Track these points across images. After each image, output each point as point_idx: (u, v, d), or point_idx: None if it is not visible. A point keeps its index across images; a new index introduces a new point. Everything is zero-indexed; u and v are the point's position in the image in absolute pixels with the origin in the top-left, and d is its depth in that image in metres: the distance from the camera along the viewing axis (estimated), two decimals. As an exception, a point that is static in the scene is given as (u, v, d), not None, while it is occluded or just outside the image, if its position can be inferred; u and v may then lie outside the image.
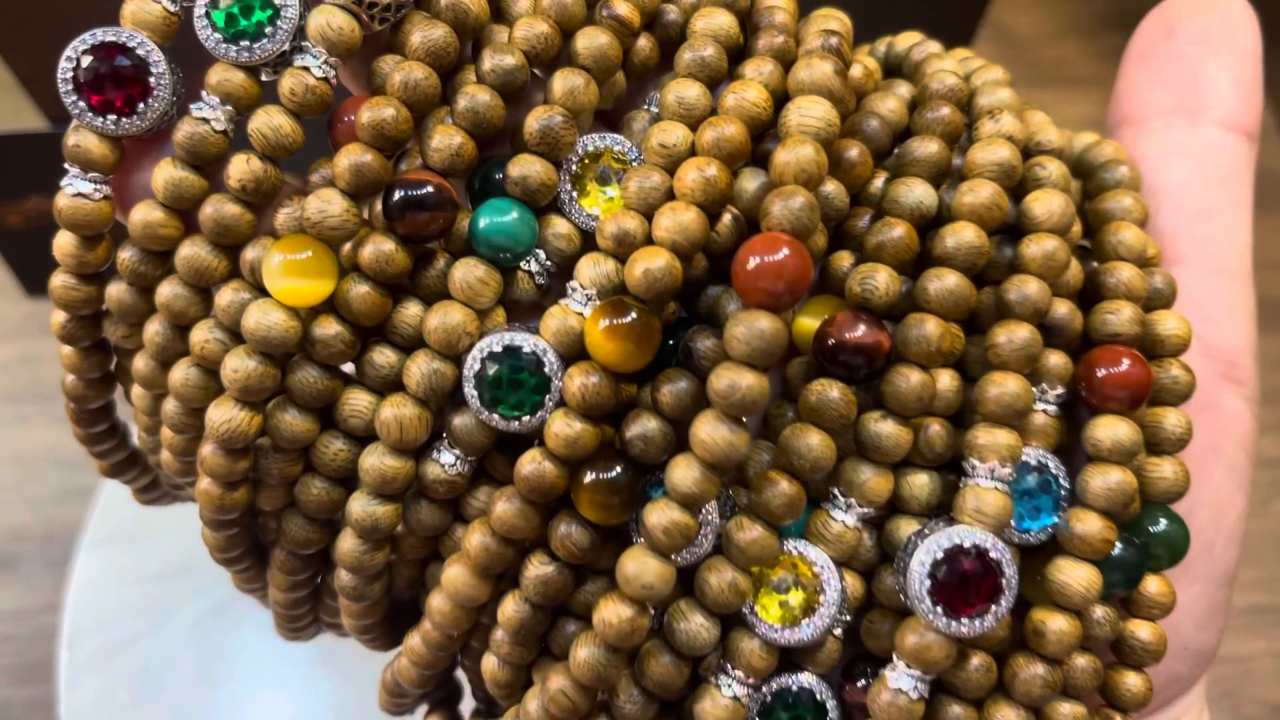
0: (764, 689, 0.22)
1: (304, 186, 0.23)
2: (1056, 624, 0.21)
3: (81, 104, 0.22)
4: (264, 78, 0.22)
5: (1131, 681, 0.22)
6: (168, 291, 0.22)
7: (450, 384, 0.21)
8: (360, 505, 0.22)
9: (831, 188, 0.22)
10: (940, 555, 0.20)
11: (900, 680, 0.21)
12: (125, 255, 0.22)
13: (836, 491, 0.22)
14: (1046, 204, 0.22)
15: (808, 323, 0.22)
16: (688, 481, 0.19)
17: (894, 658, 0.21)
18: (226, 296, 0.22)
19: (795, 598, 0.21)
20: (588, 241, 0.22)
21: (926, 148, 0.23)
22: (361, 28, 0.22)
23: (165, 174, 0.22)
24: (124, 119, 0.22)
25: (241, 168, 0.21)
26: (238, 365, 0.21)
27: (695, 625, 0.21)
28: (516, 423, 0.21)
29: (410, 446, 0.22)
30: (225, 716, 0.44)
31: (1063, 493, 0.22)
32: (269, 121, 0.21)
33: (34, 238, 0.52)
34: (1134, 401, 0.22)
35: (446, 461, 0.22)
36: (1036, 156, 0.23)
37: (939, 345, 0.21)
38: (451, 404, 0.22)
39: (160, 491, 0.31)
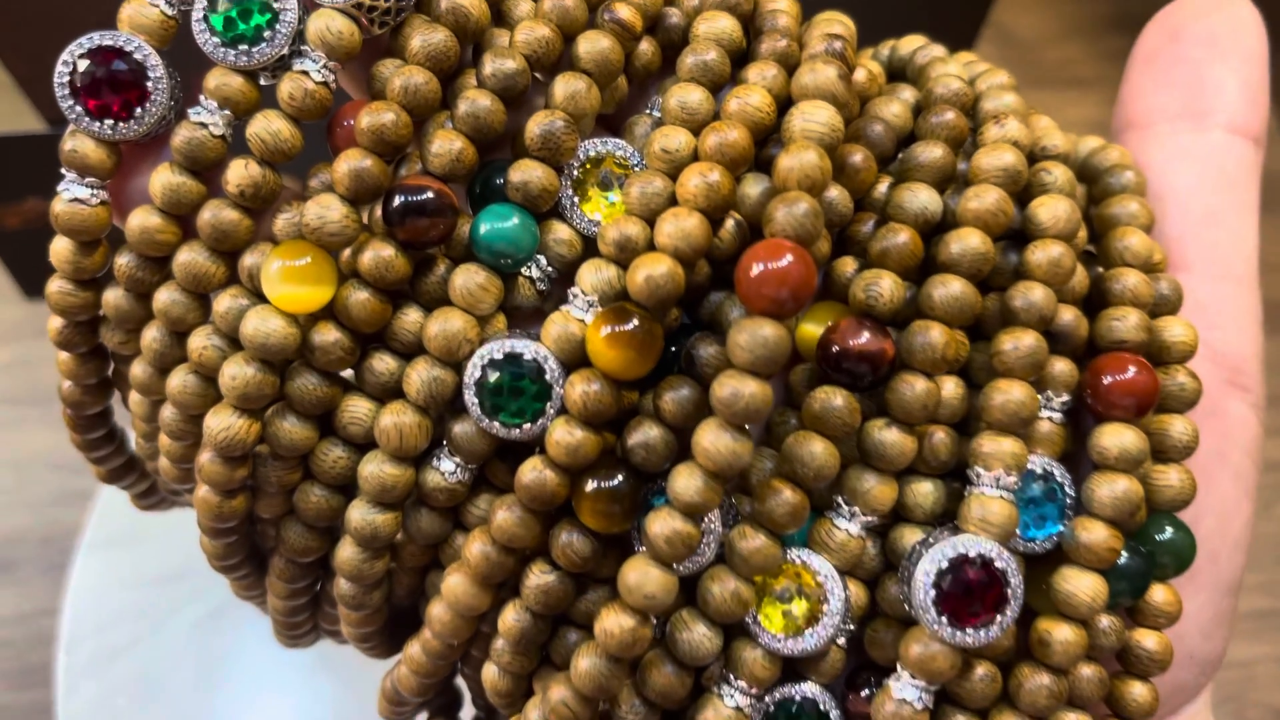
0: (767, 699, 0.22)
1: (303, 191, 0.23)
2: (1062, 634, 0.21)
3: (78, 109, 0.21)
4: (263, 82, 0.22)
5: (1137, 691, 0.22)
6: (165, 297, 0.22)
7: (450, 391, 0.21)
8: (360, 513, 0.22)
9: (835, 193, 0.22)
10: (945, 565, 0.20)
11: (904, 690, 0.21)
12: (122, 261, 0.22)
13: (840, 500, 0.22)
14: (1052, 210, 0.22)
15: (811, 329, 0.22)
16: (690, 490, 0.19)
17: (898, 668, 0.21)
18: (225, 303, 0.22)
19: (799, 607, 0.21)
20: (589, 247, 0.22)
21: (931, 153, 0.22)
22: (361, 31, 0.22)
23: (163, 179, 0.21)
24: (121, 124, 0.22)
25: (240, 173, 0.21)
26: (236, 372, 0.21)
27: (698, 635, 0.21)
28: (517, 430, 0.21)
29: (410, 454, 0.22)
30: (224, 721, 0.44)
31: (1068, 501, 0.22)
32: (268, 126, 0.21)
33: (32, 240, 0.52)
34: (1140, 409, 0.21)
35: (446, 469, 0.22)
36: (1042, 161, 0.23)
37: (944, 353, 0.21)
38: (452, 411, 0.22)
39: (158, 497, 0.31)
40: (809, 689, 0.22)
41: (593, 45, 0.22)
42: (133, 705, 0.43)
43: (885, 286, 0.21)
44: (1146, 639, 0.22)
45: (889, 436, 0.21)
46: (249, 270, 0.22)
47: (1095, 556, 0.21)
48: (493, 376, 0.21)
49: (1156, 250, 0.23)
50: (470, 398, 0.21)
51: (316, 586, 0.26)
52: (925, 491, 0.22)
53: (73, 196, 0.22)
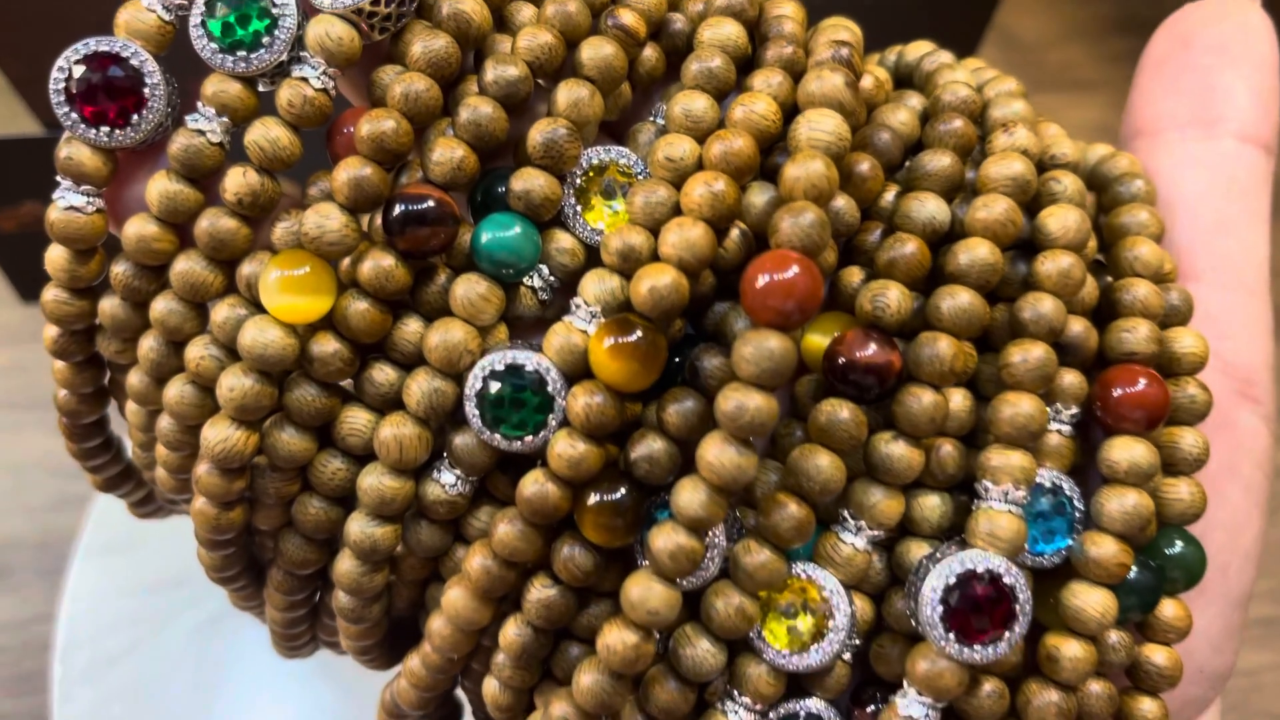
0: (771, 715, 0.21)
1: (302, 198, 0.23)
2: (1071, 650, 0.21)
3: (74, 115, 0.21)
4: (261, 89, 0.22)
5: (1147, 707, 0.22)
6: (162, 307, 0.22)
7: (451, 403, 0.21)
8: (359, 526, 0.22)
9: (842, 203, 0.21)
10: (952, 580, 0.20)
11: (911, 707, 0.21)
12: (119, 269, 0.22)
13: (846, 513, 0.21)
14: (1062, 220, 0.22)
15: (817, 340, 0.22)
16: (694, 505, 0.19)
17: (904, 684, 0.21)
18: (222, 312, 0.21)
19: (804, 623, 0.21)
20: (592, 257, 0.22)
21: (939, 161, 0.22)
22: (361, 37, 0.21)
23: (160, 187, 0.21)
24: (118, 131, 0.21)
25: (238, 181, 0.21)
26: (233, 383, 0.21)
27: (701, 651, 0.20)
28: (519, 443, 0.21)
29: (410, 466, 0.21)
30: (222, 728, 0.44)
31: (1077, 515, 0.22)
32: (266, 134, 0.21)
33: (28, 243, 0.52)
34: (1151, 422, 0.21)
35: (447, 482, 0.22)
36: (1051, 170, 0.23)
37: (952, 365, 0.20)
38: (452, 423, 0.22)
39: (155, 505, 0.30)
40: (814, 705, 0.22)
41: (596, 51, 0.22)
42: (129, 713, 0.43)
43: (892, 298, 0.21)
44: (1156, 654, 0.22)
45: (896, 450, 0.21)
46: (247, 279, 0.21)
47: (1105, 572, 0.21)
48: (494, 388, 0.20)
49: (1167, 260, 0.23)
50: (471, 409, 0.21)
51: (315, 598, 0.26)
52: (932, 505, 0.21)
53: (68, 204, 0.22)
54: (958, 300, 0.21)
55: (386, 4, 0.21)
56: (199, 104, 0.21)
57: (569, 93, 0.21)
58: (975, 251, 0.21)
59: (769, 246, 0.19)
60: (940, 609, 0.20)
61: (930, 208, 0.22)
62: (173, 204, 0.21)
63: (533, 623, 0.21)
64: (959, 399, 0.22)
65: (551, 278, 0.22)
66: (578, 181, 0.22)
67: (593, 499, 0.20)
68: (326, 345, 0.21)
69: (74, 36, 0.21)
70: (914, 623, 0.21)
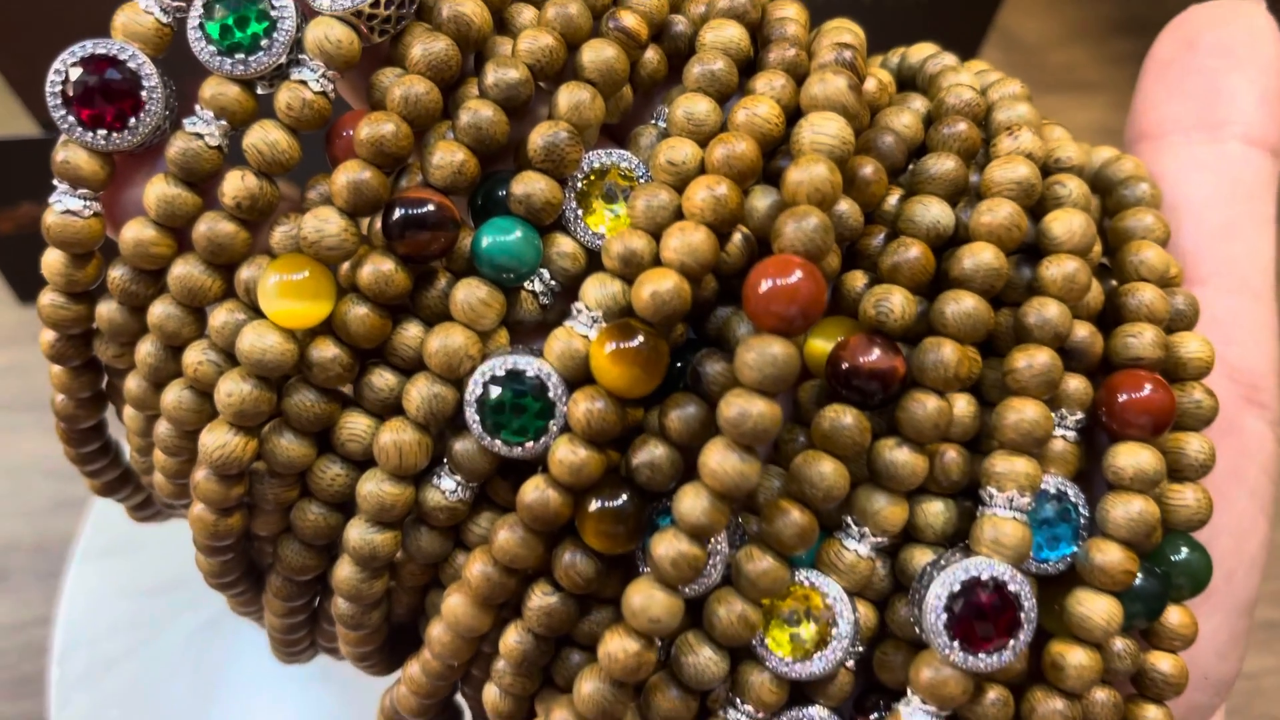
0: (774, 723, 0.21)
1: (301, 201, 0.23)
2: (1076, 657, 0.21)
3: (70, 119, 0.21)
4: (260, 91, 0.21)
5: (1152, 715, 0.22)
6: (160, 311, 0.21)
7: (451, 408, 0.21)
8: (358, 532, 0.22)
9: (845, 207, 0.21)
10: (957, 588, 0.20)
11: (915, 716, 0.20)
12: (116, 274, 0.22)
13: (849, 520, 0.21)
14: (1067, 224, 0.21)
15: (820, 345, 0.22)
16: (696, 512, 0.19)
17: (908, 692, 0.21)
18: (221, 317, 0.21)
19: (806, 630, 0.21)
20: (593, 261, 0.22)
21: (943, 165, 0.22)
22: (360, 40, 0.21)
23: (157, 191, 0.21)
24: (115, 134, 0.21)
25: (236, 185, 0.21)
26: (232, 389, 0.20)
27: (704, 659, 0.20)
28: (520, 449, 0.20)
29: (409, 472, 0.21)
30: (220, 732, 0.44)
31: (1082, 521, 0.21)
32: (265, 137, 0.21)
33: (26, 245, 0.51)
34: (1156, 428, 0.21)
35: (447, 488, 0.21)
36: (1056, 174, 0.22)
37: (956, 371, 0.20)
38: (452, 429, 0.21)
39: (154, 509, 0.30)
40: (817, 713, 0.21)
41: (597, 54, 0.22)
42: (127, 717, 0.43)
43: (896, 302, 0.21)
44: (1161, 662, 0.22)
45: (900, 456, 0.20)
46: (246, 284, 0.21)
47: (1110, 579, 0.21)
48: (494, 393, 0.20)
49: (1172, 264, 0.23)
50: (471, 415, 0.20)
51: (314, 603, 0.26)
52: (936, 511, 0.21)
53: (65, 208, 0.21)
54: (962, 305, 0.21)
55: (386, 6, 0.21)
56: (197, 107, 0.21)
57: (570, 95, 0.21)
58: (980, 256, 0.21)
59: (771, 251, 0.19)
60: (944, 616, 0.20)
61: (934, 212, 0.21)
62: (171, 208, 0.21)
63: (533, 630, 0.21)
64: (963, 404, 0.21)
65: (553, 282, 0.22)
66: (579, 185, 0.22)
67: (594, 505, 0.20)
68: (326, 350, 0.21)
69: (72, 37, 0.21)
70: (918, 630, 0.21)
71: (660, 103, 0.23)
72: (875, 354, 0.20)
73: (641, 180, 0.22)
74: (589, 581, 0.21)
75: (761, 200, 0.21)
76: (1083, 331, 0.22)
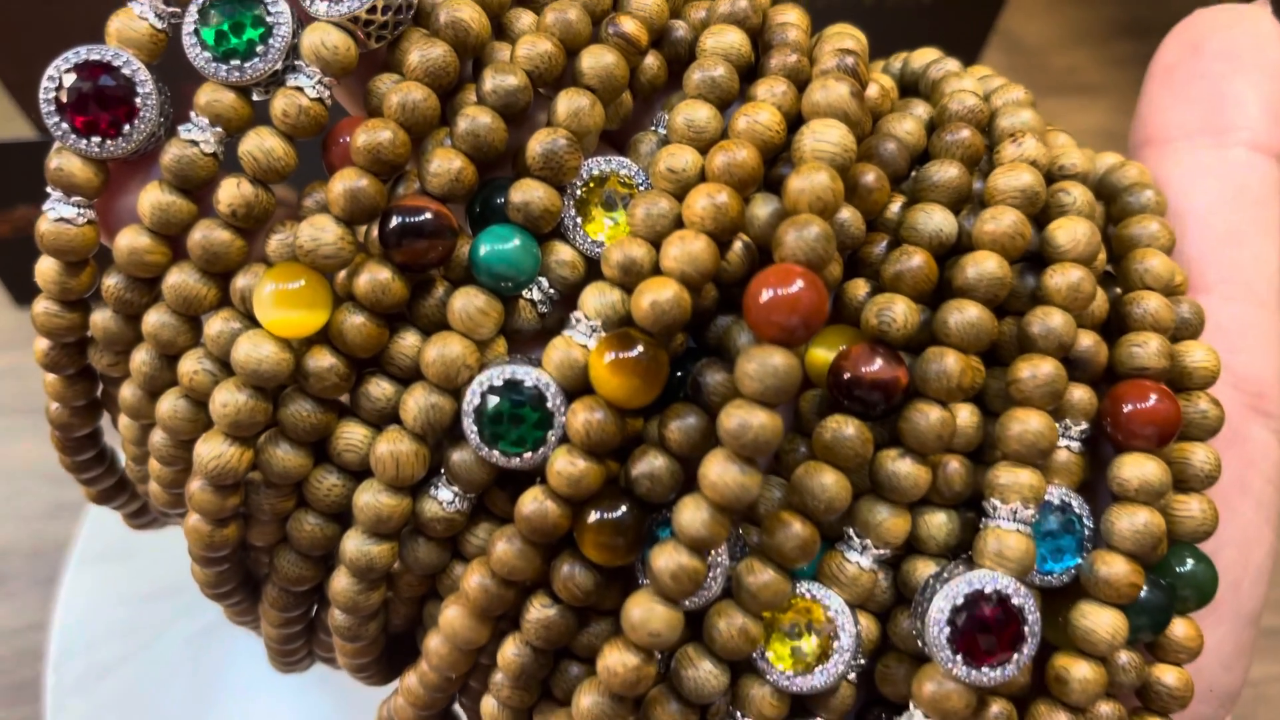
0: (775, 736, 0.21)
1: (297, 208, 0.23)
2: (1080, 671, 0.21)
3: (64, 125, 0.21)
4: (255, 98, 0.21)
5: (1157, 728, 0.22)
6: (155, 320, 0.21)
7: (449, 418, 0.21)
8: (355, 544, 0.21)
9: (847, 215, 0.21)
10: (960, 601, 0.20)
11: (917, 729, 0.20)
12: (110, 282, 0.22)
13: (851, 532, 0.21)
14: (1071, 232, 0.21)
15: (822, 354, 0.21)
16: (696, 524, 0.18)
17: (910, 705, 0.20)
18: (216, 326, 0.21)
19: (808, 644, 0.21)
20: (592, 269, 0.22)
21: (946, 172, 0.22)
22: (357, 46, 0.21)
23: (152, 198, 0.21)
24: (109, 141, 0.21)
25: (232, 192, 0.21)
26: (227, 399, 0.20)
27: (703, 672, 0.20)
28: (518, 459, 0.20)
29: (406, 483, 0.21)
30: (217, 738, 0.43)
31: (1086, 533, 0.21)
32: (260, 144, 0.21)
33: (22, 248, 0.51)
34: (1162, 439, 0.21)
35: (444, 499, 0.21)
36: (1060, 181, 0.22)
37: (959, 381, 0.20)
38: (450, 439, 0.21)
39: (150, 517, 0.30)
40: (818, 726, 0.21)
41: (596, 60, 0.21)
42: (123, 724, 0.43)
43: (899, 312, 0.20)
44: (1166, 675, 0.22)
45: (902, 467, 0.20)
46: (241, 292, 0.21)
47: (1115, 592, 0.20)
48: (492, 403, 0.20)
49: (1178, 272, 0.23)
50: (469, 425, 0.20)
51: (311, 614, 0.26)
52: (939, 523, 0.21)
53: (59, 216, 0.21)
54: (965, 315, 0.20)
55: (383, 12, 0.21)
56: (192, 114, 0.21)
57: (569, 102, 0.21)
58: (983, 265, 0.21)
59: (772, 259, 0.19)
60: (947, 630, 0.20)
61: (937, 220, 0.21)
62: (165, 215, 0.21)
63: (532, 642, 0.21)
64: (966, 415, 0.21)
65: (551, 291, 0.22)
66: (578, 193, 0.22)
67: (593, 517, 0.20)
68: (322, 360, 0.21)
69: (69, 40, 0.21)
70: (920, 643, 0.20)
71: (660, 109, 0.23)
72: (877, 364, 0.20)
73: (641, 188, 0.22)
74: (588, 594, 0.20)
75: (762, 208, 0.20)
76: (1087, 341, 0.21)
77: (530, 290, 0.21)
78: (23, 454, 0.53)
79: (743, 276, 0.21)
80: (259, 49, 0.21)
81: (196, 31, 0.21)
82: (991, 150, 0.23)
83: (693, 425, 0.20)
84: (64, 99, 0.21)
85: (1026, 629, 0.20)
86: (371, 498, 0.21)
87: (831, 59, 0.22)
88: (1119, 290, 0.23)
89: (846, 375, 0.20)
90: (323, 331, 0.21)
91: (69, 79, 0.21)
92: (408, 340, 0.21)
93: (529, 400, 0.20)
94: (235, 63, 0.21)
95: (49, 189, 0.21)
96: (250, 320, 0.21)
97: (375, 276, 0.20)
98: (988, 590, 0.20)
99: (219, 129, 0.21)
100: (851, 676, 0.21)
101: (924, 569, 0.21)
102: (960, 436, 0.21)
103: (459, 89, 0.22)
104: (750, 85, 0.22)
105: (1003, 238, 0.21)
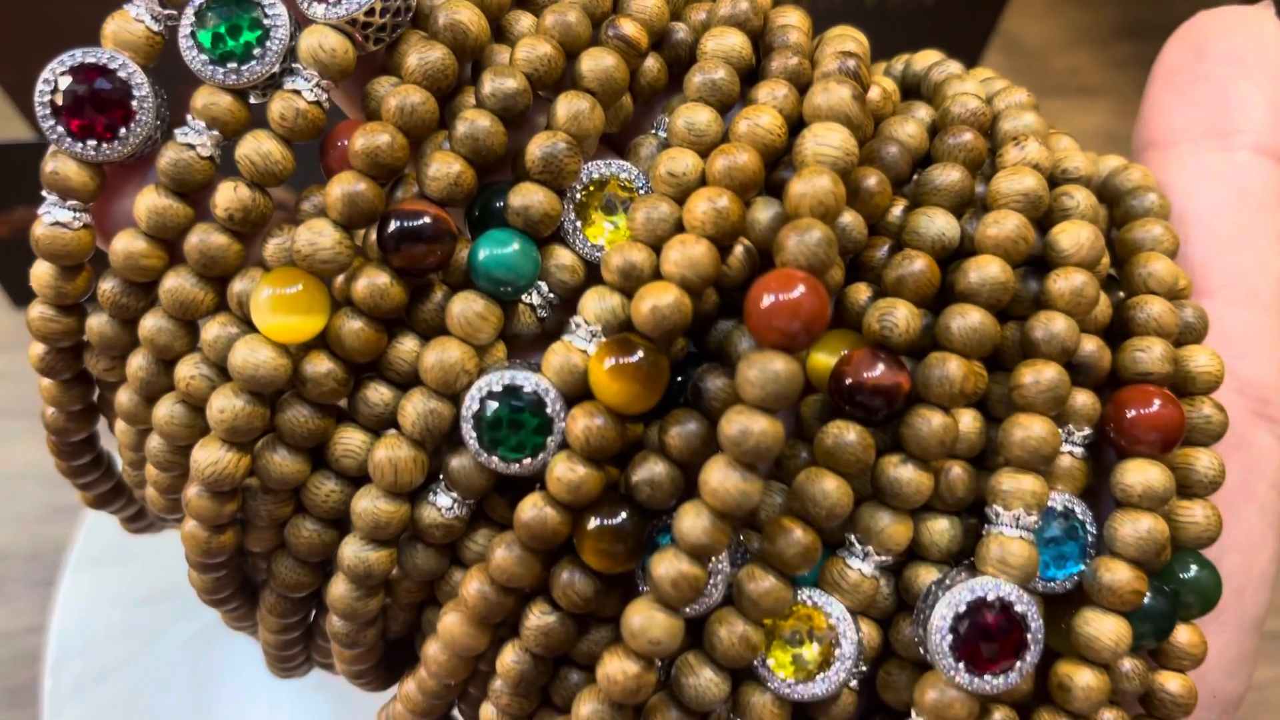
0: (776, 744, 0.21)
1: (294, 212, 0.22)
2: (1084, 678, 0.20)
3: (60, 129, 0.21)
4: (253, 101, 0.21)
5: (1160, 735, 0.21)
6: (151, 324, 0.21)
7: (447, 424, 0.20)
8: (353, 550, 0.21)
9: (849, 219, 0.21)
10: (962, 609, 0.19)
11: (920, 737, 0.20)
12: (106, 286, 0.21)
13: (853, 538, 0.21)
14: (1074, 236, 0.21)
15: (823, 359, 0.21)
16: (697, 531, 0.18)
17: (912, 713, 0.20)
18: (213, 331, 0.21)
19: (809, 651, 0.20)
20: (592, 274, 0.21)
21: (948, 176, 0.21)
22: (355, 49, 0.21)
23: (148, 202, 0.21)
24: (105, 144, 0.21)
25: (229, 196, 0.20)
26: (224, 405, 0.20)
27: (704, 680, 0.20)
28: (517, 465, 0.20)
29: (405, 489, 0.21)
30: (216, 742, 0.43)
31: (1089, 539, 0.21)
32: (258, 147, 0.20)
33: (20, 249, 0.51)
34: (1166, 444, 0.21)
35: (443, 504, 0.21)
36: (1063, 185, 0.22)
37: (962, 386, 0.20)
38: (449, 444, 0.21)
39: (147, 521, 0.30)
40: (820, 734, 0.21)
41: (596, 63, 0.21)
42: (121, 727, 0.43)
43: (900, 316, 0.20)
44: (1170, 682, 0.21)
45: (904, 473, 0.20)
46: (238, 297, 0.21)
47: (1118, 599, 0.20)
48: (491, 409, 0.20)
49: (1181, 276, 0.23)
50: (468, 431, 0.20)
51: (309, 619, 0.26)
52: (941, 529, 0.21)
53: (54, 219, 0.21)
54: (968, 320, 0.20)
55: (381, 14, 0.21)
56: (189, 117, 0.21)
57: (569, 105, 0.21)
58: (986, 269, 0.20)
59: (774, 264, 0.19)
60: (950, 638, 0.19)
61: (939, 224, 0.21)
62: (162, 219, 0.21)
63: (531, 650, 0.21)
64: (969, 420, 0.21)
65: (551, 295, 0.21)
66: (578, 196, 0.21)
67: (593, 523, 0.20)
68: (320, 365, 0.21)
69: (67, 42, 0.21)
70: (922, 650, 0.20)
71: (661, 112, 0.23)
72: (879, 369, 0.20)
73: (641, 191, 0.22)
74: (588, 601, 0.20)
75: (763, 212, 0.20)
76: (1090, 345, 0.21)
77: (530, 295, 0.21)
78: (20, 456, 0.53)
79: (744, 281, 0.21)
80: (256, 52, 0.20)
81: (193, 34, 0.20)
82: (994, 153, 0.22)
83: (693, 431, 0.20)
84: (59, 102, 0.20)
85: (1029, 636, 0.20)
86: (370, 504, 0.21)
87: (833, 61, 0.21)
88: (1122, 294, 0.23)
89: (848, 380, 0.20)
90: (321, 336, 0.21)
91: (64, 82, 0.20)
92: (406, 345, 0.21)
93: (528, 406, 0.20)
94: (232, 65, 0.20)
95: (44, 192, 0.21)
96: (247, 325, 0.21)
97: (373, 281, 0.20)
98: (990, 597, 0.19)
99: (216, 132, 0.21)
100: (853, 684, 0.21)
101: (926, 576, 0.21)
102: (962, 442, 0.21)
103: (458, 92, 0.22)
104: (751, 88, 0.22)
105: (1005, 242, 0.21)
